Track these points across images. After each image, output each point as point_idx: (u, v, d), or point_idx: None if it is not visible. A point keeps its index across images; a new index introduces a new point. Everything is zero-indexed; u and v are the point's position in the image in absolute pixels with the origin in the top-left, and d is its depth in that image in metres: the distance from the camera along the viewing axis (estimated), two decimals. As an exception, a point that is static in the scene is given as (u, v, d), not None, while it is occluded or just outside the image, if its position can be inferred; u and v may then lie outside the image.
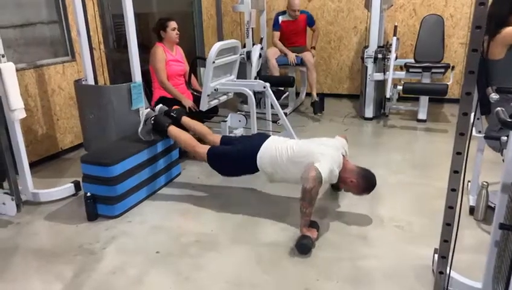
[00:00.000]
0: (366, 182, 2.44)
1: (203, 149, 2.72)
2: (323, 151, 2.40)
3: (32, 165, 3.26)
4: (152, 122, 2.87)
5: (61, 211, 2.74)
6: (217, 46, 3.25)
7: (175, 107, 3.23)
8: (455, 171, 1.44)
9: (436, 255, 1.99)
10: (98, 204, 2.58)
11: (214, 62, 3.24)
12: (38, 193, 2.79)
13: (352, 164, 2.51)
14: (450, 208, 1.49)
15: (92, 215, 2.57)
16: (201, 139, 2.95)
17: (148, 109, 2.98)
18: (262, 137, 2.69)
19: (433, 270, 2.01)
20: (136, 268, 2.12)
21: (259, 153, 2.55)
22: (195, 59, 4.15)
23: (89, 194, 2.55)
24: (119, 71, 4.22)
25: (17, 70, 2.60)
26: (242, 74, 4.42)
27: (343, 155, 2.49)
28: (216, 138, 2.91)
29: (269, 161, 2.52)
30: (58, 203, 2.81)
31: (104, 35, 4.05)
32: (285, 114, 3.63)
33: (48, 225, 2.57)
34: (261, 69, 4.94)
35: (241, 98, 4.87)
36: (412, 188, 2.98)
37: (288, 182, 2.58)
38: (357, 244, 2.29)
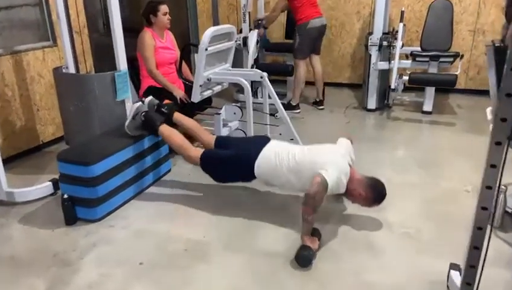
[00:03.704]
0: (375, 194, 2.23)
1: (196, 153, 2.50)
2: (329, 160, 2.19)
3: (10, 159, 3.04)
4: (142, 118, 2.62)
5: (38, 213, 2.50)
6: (210, 31, 2.98)
7: (166, 101, 2.97)
8: (488, 187, 1.21)
9: (452, 271, 1.78)
10: (77, 207, 2.34)
11: (206, 49, 2.97)
12: (13, 193, 2.55)
13: (359, 174, 2.28)
14: (478, 229, 1.27)
15: (71, 219, 2.33)
16: (192, 137, 2.70)
17: (139, 103, 2.68)
18: (261, 141, 2.45)
19: (447, 286, 1.81)
20: (116, 282, 1.90)
21: (257, 161, 2.33)
22: (187, 46, 3.87)
23: (66, 196, 2.30)
24: (106, 58, 3.91)
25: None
26: (238, 62, 4.14)
27: (349, 165, 2.26)
28: (210, 139, 2.66)
29: (268, 169, 2.31)
30: (35, 204, 2.57)
31: (90, 18, 3.75)
32: (284, 105, 3.37)
33: (22, 229, 2.34)
34: (259, 57, 4.66)
35: (237, 87, 4.60)
36: (419, 189, 2.76)
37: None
38: (362, 255, 2.08)
